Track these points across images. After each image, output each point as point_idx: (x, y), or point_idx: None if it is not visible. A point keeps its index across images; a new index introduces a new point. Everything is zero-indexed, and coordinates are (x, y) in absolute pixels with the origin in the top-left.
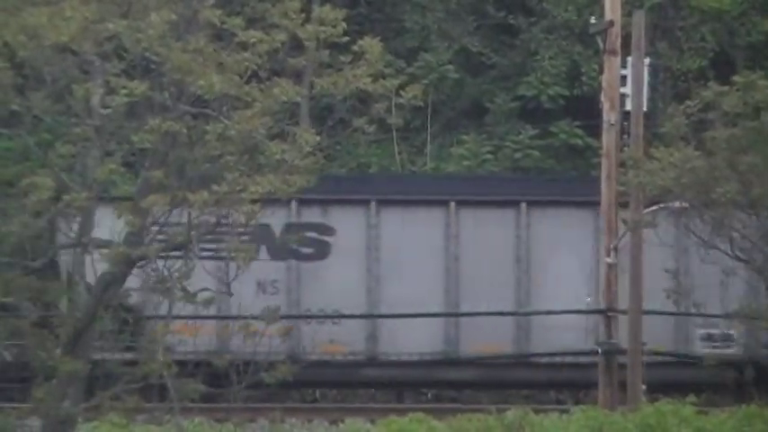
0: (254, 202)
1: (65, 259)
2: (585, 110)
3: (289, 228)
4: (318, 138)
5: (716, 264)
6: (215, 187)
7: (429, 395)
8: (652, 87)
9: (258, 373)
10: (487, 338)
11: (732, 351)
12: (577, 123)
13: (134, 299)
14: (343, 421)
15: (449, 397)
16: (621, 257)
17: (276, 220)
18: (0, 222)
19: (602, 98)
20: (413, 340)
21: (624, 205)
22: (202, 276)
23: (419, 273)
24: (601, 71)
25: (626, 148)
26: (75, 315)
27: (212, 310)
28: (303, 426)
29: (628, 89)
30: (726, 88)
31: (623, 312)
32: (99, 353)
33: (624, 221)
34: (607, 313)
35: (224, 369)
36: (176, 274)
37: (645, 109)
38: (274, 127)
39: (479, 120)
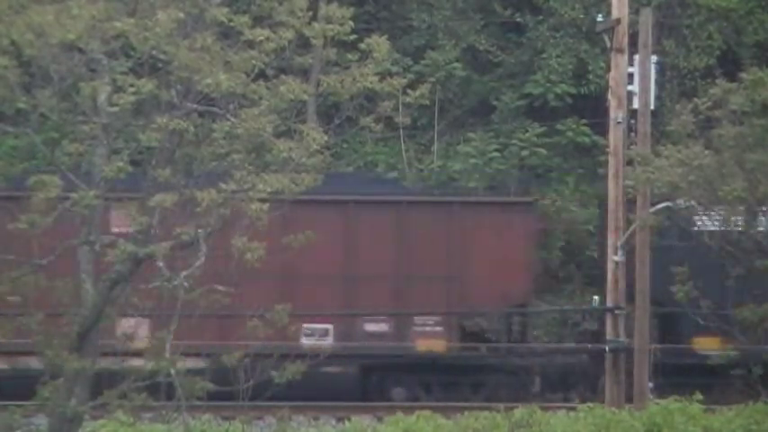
0: (262, 200)
1: None
2: (592, 108)
3: None
4: (326, 136)
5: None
6: (223, 185)
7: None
8: (659, 85)
9: (267, 371)
10: None
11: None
12: (584, 121)
13: None
14: (350, 419)
15: (456, 395)
16: None
17: None
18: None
19: (609, 96)
20: None
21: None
22: None
23: None
24: (608, 69)
25: (633, 146)
26: (83, 313)
27: None
28: (310, 424)
29: (635, 87)
30: (734, 85)
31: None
32: None
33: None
34: (614, 311)
35: (232, 367)
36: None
37: (652, 107)
38: (281, 125)
39: (486, 118)
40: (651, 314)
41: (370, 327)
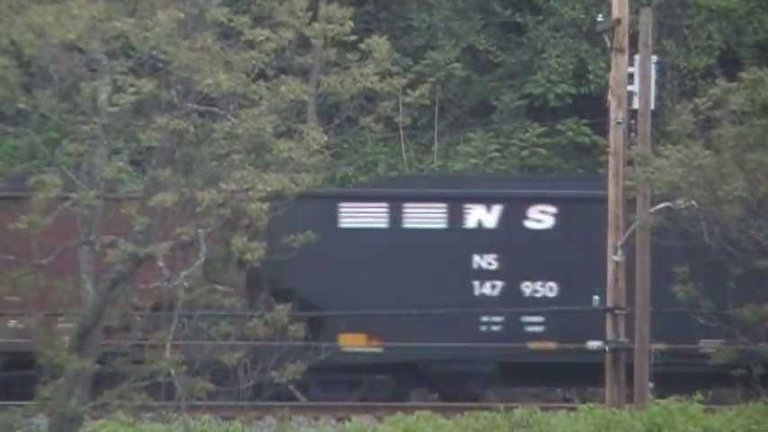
0: (262, 200)
1: None
2: (592, 108)
3: None
4: (326, 136)
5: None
6: (223, 185)
7: (436, 393)
8: (659, 85)
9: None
10: None
11: None
12: (584, 121)
13: None
14: (350, 419)
15: (456, 395)
16: None
17: None
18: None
19: (610, 96)
20: None
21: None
22: None
23: None
24: (608, 69)
25: (633, 146)
26: (83, 313)
27: None
28: (310, 424)
29: (635, 87)
30: (734, 85)
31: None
32: None
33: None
34: (614, 311)
35: (232, 367)
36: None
37: (652, 107)
38: (281, 125)
39: (486, 118)
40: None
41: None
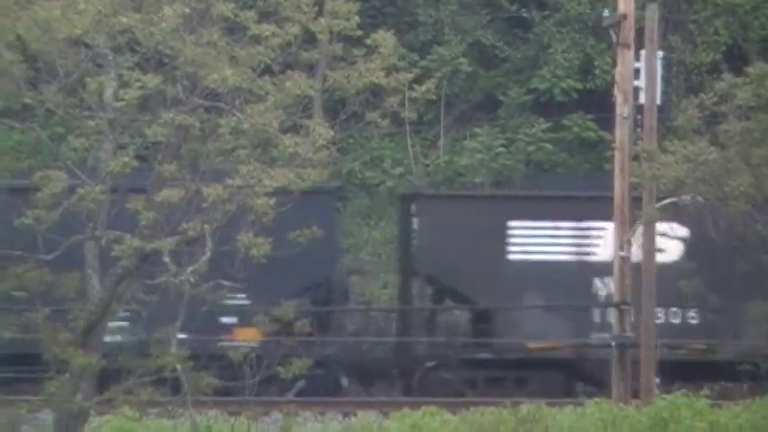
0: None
1: None
2: (598, 103)
3: None
4: (332, 132)
5: None
6: (229, 181)
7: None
8: (665, 80)
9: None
10: None
11: None
12: (590, 116)
13: None
14: (356, 415)
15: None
16: None
17: None
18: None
19: (616, 91)
20: None
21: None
22: None
23: None
24: (614, 64)
25: (639, 142)
26: (89, 308)
27: None
28: (316, 419)
29: (641, 82)
30: (740, 80)
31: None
32: None
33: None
34: (620, 307)
35: (238, 363)
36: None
37: (658, 102)
38: (287, 120)
39: (492, 113)
40: None
41: None
